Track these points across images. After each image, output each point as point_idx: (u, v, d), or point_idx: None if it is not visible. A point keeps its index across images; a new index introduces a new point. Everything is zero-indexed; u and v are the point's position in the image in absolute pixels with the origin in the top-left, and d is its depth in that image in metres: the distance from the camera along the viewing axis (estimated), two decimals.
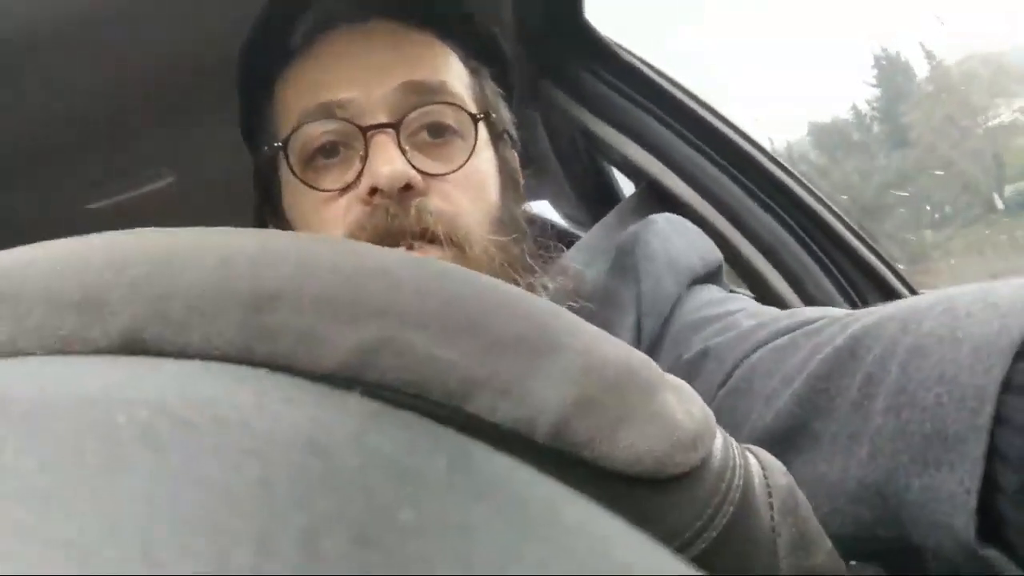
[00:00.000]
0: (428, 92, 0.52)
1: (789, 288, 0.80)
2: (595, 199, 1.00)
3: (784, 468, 0.27)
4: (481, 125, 0.54)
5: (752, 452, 0.26)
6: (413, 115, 0.51)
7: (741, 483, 0.23)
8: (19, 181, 0.96)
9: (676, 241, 0.57)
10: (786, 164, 0.84)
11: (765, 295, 0.83)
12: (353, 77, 0.52)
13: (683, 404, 0.22)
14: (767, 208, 0.82)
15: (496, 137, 0.57)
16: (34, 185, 0.98)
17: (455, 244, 0.50)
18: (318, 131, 0.51)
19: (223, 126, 0.93)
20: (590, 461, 0.19)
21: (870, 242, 0.85)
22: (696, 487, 0.22)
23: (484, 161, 0.54)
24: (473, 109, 0.54)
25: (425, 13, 0.55)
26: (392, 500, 0.11)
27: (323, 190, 0.51)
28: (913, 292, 0.84)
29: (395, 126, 0.50)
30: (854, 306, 0.82)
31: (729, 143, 0.83)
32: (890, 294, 0.82)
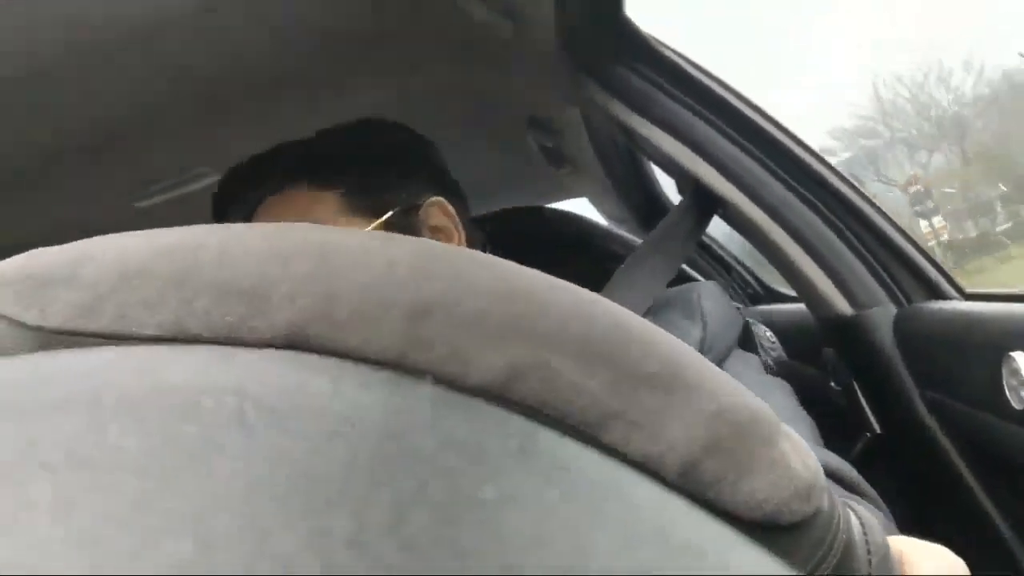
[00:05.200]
0: None
1: (833, 286, 0.79)
2: (636, 196, 1.00)
3: (881, 526, 0.27)
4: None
5: (852, 508, 0.27)
6: None
7: (845, 537, 0.24)
8: (69, 180, 0.98)
9: (724, 305, 0.72)
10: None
11: (809, 293, 0.82)
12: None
13: (799, 455, 0.22)
14: (810, 204, 0.81)
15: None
16: (83, 184, 1.01)
17: None
18: None
19: (260, 127, 0.94)
20: (712, 502, 0.20)
21: (915, 240, 0.83)
22: (805, 536, 0.22)
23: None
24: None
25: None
26: (471, 480, 0.11)
27: None
28: (960, 291, 0.82)
29: None
30: (898, 303, 0.80)
31: (770, 138, 0.82)
32: (936, 293, 0.81)
